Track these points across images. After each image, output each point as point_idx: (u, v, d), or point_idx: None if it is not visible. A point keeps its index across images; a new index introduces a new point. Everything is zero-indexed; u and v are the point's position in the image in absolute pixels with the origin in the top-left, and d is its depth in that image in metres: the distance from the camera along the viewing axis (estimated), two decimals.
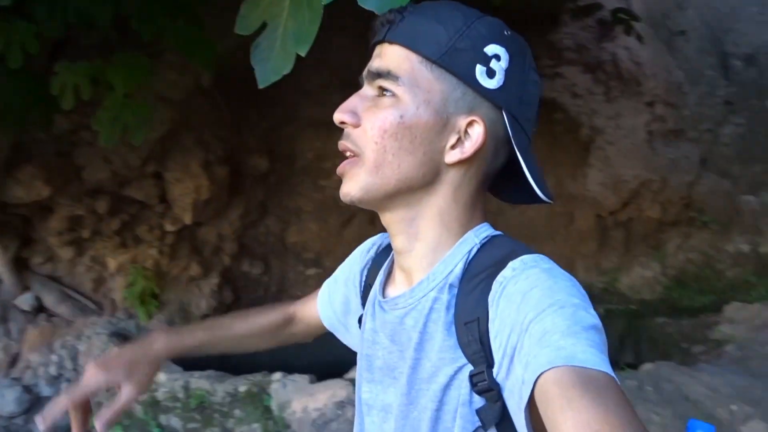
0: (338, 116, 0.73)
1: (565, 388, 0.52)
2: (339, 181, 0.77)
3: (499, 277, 0.66)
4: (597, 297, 4.79)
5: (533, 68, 0.74)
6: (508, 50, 0.70)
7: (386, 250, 0.88)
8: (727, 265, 4.78)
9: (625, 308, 4.61)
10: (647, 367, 2.93)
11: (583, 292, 0.63)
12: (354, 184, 0.73)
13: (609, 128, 4.69)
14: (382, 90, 0.72)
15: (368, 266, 0.90)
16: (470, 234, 0.74)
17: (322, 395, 2.86)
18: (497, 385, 0.64)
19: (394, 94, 0.70)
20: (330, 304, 0.98)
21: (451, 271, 0.72)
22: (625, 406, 0.52)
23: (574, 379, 0.53)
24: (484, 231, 0.75)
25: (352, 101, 0.74)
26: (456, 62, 0.69)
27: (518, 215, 4.91)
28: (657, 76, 4.61)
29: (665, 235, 4.91)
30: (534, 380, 0.55)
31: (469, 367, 0.67)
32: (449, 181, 0.73)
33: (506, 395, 0.62)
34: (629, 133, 4.68)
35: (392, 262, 0.83)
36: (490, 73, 0.70)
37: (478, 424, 0.66)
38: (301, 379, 3.06)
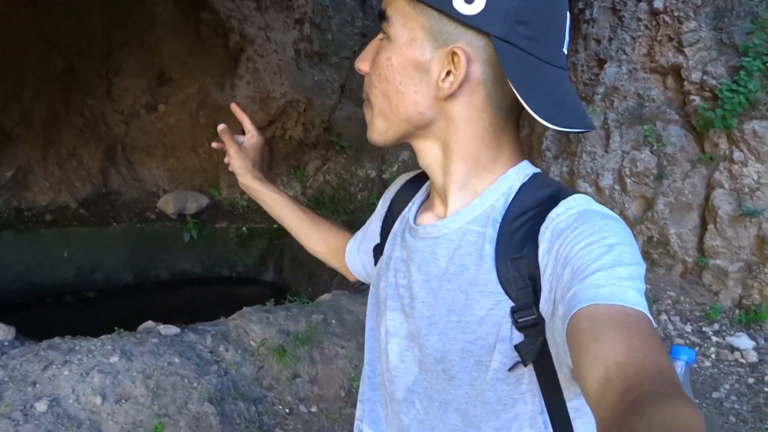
0: (356, 65, 0.77)
1: (595, 323, 0.54)
2: None
3: (552, 214, 0.68)
4: (239, 215, 4.72)
5: None
6: None
7: (414, 182, 0.91)
8: (358, 188, 5.23)
9: (268, 226, 4.66)
10: (326, 297, 3.02)
11: (631, 234, 0.65)
12: (371, 131, 0.77)
13: (259, 39, 4.58)
14: (383, 33, 0.73)
15: (392, 197, 0.93)
16: (511, 171, 0.75)
17: None
18: (542, 320, 0.66)
19: (388, 37, 0.72)
20: (359, 243, 1.02)
21: (492, 206, 0.74)
22: (652, 342, 0.52)
23: (606, 315, 0.54)
24: (524, 169, 0.76)
25: (367, 48, 0.76)
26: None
27: (156, 121, 4.43)
28: None
29: (306, 156, 5.12)
30: (571, 315, 0.57)
31: (509, 303, 0.69)
32: (455, 115, 0.73)
33: (548, 330, 0.65)
34: (279, 48, 4.66)
35: (428, 193, 0.85)
36: (469, 0, 0.68)
37: (517, 359, 0.68)
38: None
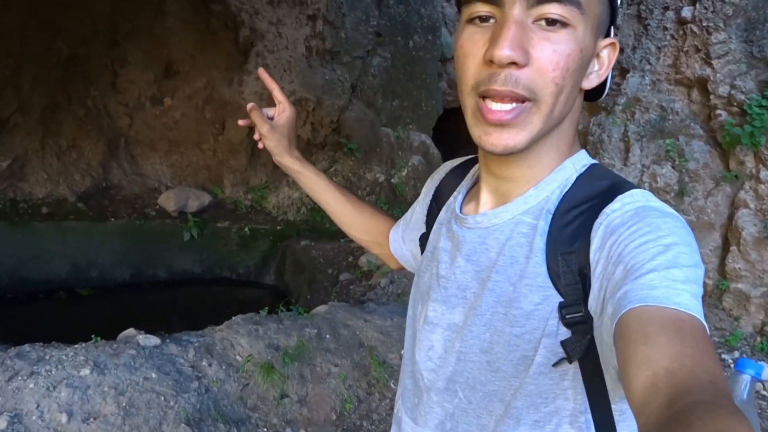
0: (507, 54, 0.63)
1: (646, 324, 0.52)
2: None
3: (607, 209, 0.66)
4: (243, 215, 4.61)
5: None
6: None
7: (459, 169, 0.89)
8: (365, 192, 5.10)
9: (271, 227, 4.51)
10: (322, 310, 2.80)
11: (691, 234, 0.62)
12: (525, 135, 0.67)
13: (270, 35, 4.43)
14: (554, 18, 0.64)
15: (437, 185, 0.91)
16: (568, 162, 0.73)
17: None
18: (590, 317, 0.64)
19: (567, 24, 0.64)
20: (402, 244, 1.01)
21: (547, 197, 0.71)
22: (705, 350, 0.50)
23: (657, 317, 0.53)
24: (581, 159, 0.73)
25: (516, 35, 0.63)
26: None
27: (161, 115, 4.30)
28: None
29: (313, 157, 4.99)
30: (620, 315, 0.55)
31: (558, 298, 0.67)
32: (577, 106, 0.72)
33: (596, 329, 0.63)
34: (290, 45, 4.53)
35: (474, 183, 0.83)
36: None
37: (563, 355, 0.66)
38: None
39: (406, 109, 5.52)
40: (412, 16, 5.54)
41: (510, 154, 0.68)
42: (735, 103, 3.53)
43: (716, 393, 0.46)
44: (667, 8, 4.00)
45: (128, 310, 4.07)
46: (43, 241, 4.05)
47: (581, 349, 0.65)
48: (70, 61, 4.17)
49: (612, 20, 0.70)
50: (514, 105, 0.65)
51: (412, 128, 5.61)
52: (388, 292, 3.46)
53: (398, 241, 1.03)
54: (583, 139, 4.31)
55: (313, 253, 4.34)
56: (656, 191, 3.81)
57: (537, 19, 0.64)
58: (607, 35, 0.71)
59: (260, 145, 1.05)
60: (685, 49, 3.89)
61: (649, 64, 4.08)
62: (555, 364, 0.67)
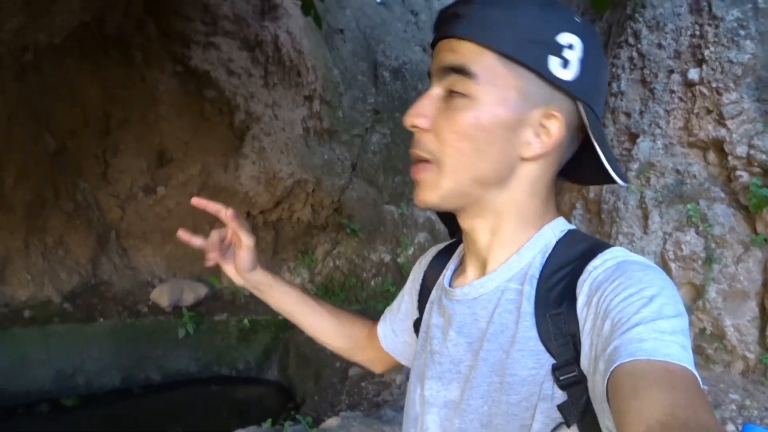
0: (409, 120, 0.74)
1: (636, 378, 0.53)
2: None
3: (589, 266, 0.69)
4: (242, 306, 4.37)
5: (602, 53, 0.75)
6: (581, 38, 0.72)
7: (444, 252, 0.93)
8: (370, 274, 4.87)
9: (272, 318, 4.25)
10: (334, 424, 2.56)
11: (673, 285, 0.64)
12: (432, 192, 0.75)
13: (266, 117, 4.34)
14: (453, 90, 0.72)
15: (425, 269, 0.93)
16: (546, 228, 0.76)
17: None
18: (585, 377, 0.65)
19: (467, 95, 0.71)
20: (393, 336, 1.02)
21: (530, 263, 0.74)
22: (697, 398, 0.52)
23: (648, 371, 0.54)
24: (560, 225, 0.77)
25: (422, 103, 0.75)
26: (529, 55, 0.71)
27: (154, 205, 4.10)
28: (317, 70, 4.46)
29: (314, 240, 4.78)
30: (610, 371, 0.56)
31: (551, 361, 0.67)
32: (526, 175, 0.75)
33: (590, 388, 0.63)
34: (287, 126, 4.42)
35: (461, 259, 0.86)
36: (565, 64, 0.71)
37: (560, 420, 0.66)
38: None
39: (409, 184, 5.38)
40: (410, 92, 5.51)
41: (440, 212, 0.78)
42: (756, 163, 3.38)
43: None
44: (672, 71, 3.92)
45: (118, 420, 3.74)
46: (25, 348, 3.81)
47: (578, 411, 0.65)
48: (59, 153, 4.02)
49: (574, 91, 0.72)
50: (420, 165, 0.74)
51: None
52: (404, 390, 3.15)
53: (389, 336, 1.02)
54: (597, 208, 4.14)
55: (318, 344, 4.03)
56: (682, 260, 3.60)
57: (446, 92, 0.72)
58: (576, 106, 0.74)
59: (209, 262, 1.02)
60: (695, 111, 3.78)
61: (659, 127, 3.97)
62: (553, 430, 0.66)
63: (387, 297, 4.81)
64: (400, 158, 5.46)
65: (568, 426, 0.65)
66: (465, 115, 0.71)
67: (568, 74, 0.70)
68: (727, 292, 3.43)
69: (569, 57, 0.70)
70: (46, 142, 3.91)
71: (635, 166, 3.97)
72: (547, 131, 0.72)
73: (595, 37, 0.74)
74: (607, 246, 0.71)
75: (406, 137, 5.55)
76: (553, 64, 0.70)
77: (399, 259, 5.11)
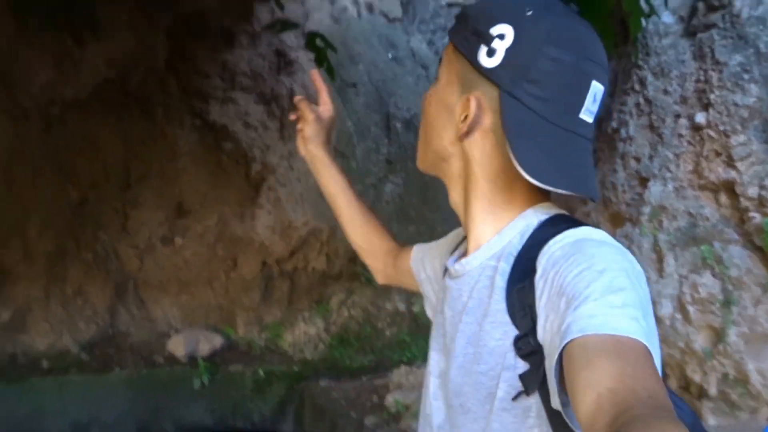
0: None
1: (587, 350, 0.56)
2: None
3: (550, 242, 0.71)
4: (257, 357, 4.36)
5: (558, 45, 0.75)
6: (516, 28, 0.75)
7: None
8: (386, 324, 4.86)
9: (287, 369, 4.23)
10: None
11: (629, 258, 0.67)
12: (417, 157, 0.92)
13: (282, 168, 4.42)
14: None
15: (451, 252, 0.97)
16: (530, 211, 0.79)
17: None
18: (540, 347, 0.67)
19: (436, 78, 0.85)
20: (422, 264, 1.06)
21: (510, 242, 0.78)
22: (645, 367, 0.54)
23: (598, 343, 0.56)
24: (546, 208, 0.80)
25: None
26: (465, 45, 0.79)
27: (171, 255, 4.17)
28: None
29: (329, 290, 4.82)
30: (562, 346, 0.58)
31: (515, 332, 0.71)
32: (470, 157, 0.81)
33: (546, 363, 0.65)
34: (301, 176, 4.49)
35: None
36: (490, 53, 0.75)
37: (521, 388, 0.69)
38: None
39: (422, 234, 5.41)
40: None
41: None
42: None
43: (655, 407, 0.49)
44: (679, 116, 3.99)
45: None
46: (41, 398, 3.80)
47: (537, 380, 0.67)
48: (80, 205, 4.13)
49: (494, 78, 0.76)
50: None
51: None
52: None
53: (417, 259, 1.09)
54: None
55: (333, 394, 4.02)
56: (699, 302, 3.58)
57: None
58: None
59: (301, 135, 1.16)
60: (704, 154, 3.83)
61: (669, 171, 4.00)
62: (514, 398, 0.69)
63: (402, 347, 4.77)
64: (413, 207, 5.51)
65: (527, 394, 0.68)
66: (428, 95, 0.87)
67: (491, 62, 0.75)
68: (748, 335, 3.37)
69: (496, 46, 0.74)
70: (69, 195, 4.02)
71: (647, 209, 3.99)
72: (465, 112, 0.79)
73: (542, 29, 0.74)
74: (581, 225, 0.74)
75: (419, 187, 5.63)
76: (482, 53, 0.75)
77: (414, 309, 5.08)
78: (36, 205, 3.76)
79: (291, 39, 4.81)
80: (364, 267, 4.33)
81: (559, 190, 0.72)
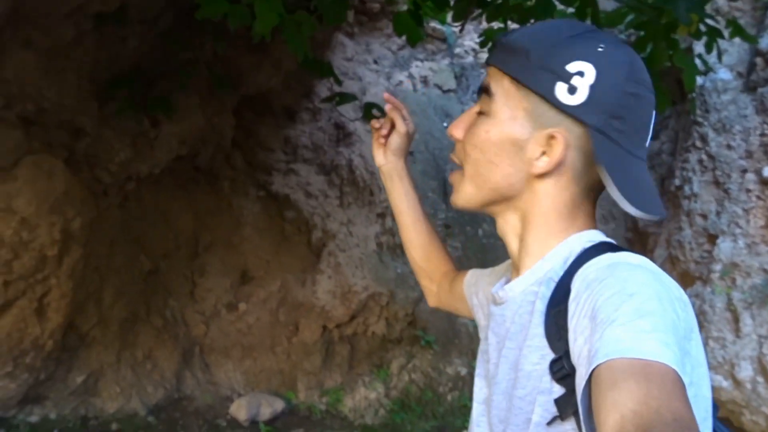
0: (449, 130, 0.89)
1: (614, 373, 0.55)
2: None
3: (585, 265, 0.72)
4: (317, 422, 4.32)
5: (636, 81, 0.78)
6: (596, 65, 0.75)
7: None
8: (447, 388, 4.74)
9: None
10: None
11: (662, 282, 0.65)
12: (457, 194, 0.88)
13: (341, 234, 4.55)
14: (481, 107, 0.84)
15: (500, 277, 0.99)
16: (573, 237, 0.80)
17: None
18: (574, 370, 0.66)
19: (486, 112, 0.82)
20: (475, 289, 1.05)
21: (552, 268, 0.78)
22: (672, 390, 0.53)
23: (625, 366, 0.55)
24: (591, 236, 0.80)
25: (463, 117, 0.87)
26: (538, 81, 0.77)
27: (236, 321, 4.28)
28: (383, 189, 4.63)
29: (389, 354, 4.79)
30: (590, 371, 0.58)
31: (552, 355, 0.70)
32: (541, 190, 0.80)
33: (576, 389, 0.65)
34: (360, 242, 4.61)
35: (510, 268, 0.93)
36: (572, 90, 0.76)
37: (556, 413, 0.68)
38: None
39: None
40: None
41: (472, 215, 0.84)
42: None
43: (680, 429, 0.48)
44: (745, 171, 3.85)
45: None
46: None
47: (572, 405, 0.65)
48: (152, 274, 4.33)
49: (581, 116, 0.76)
50: (455, 170, 0.88)
51: None
52: None
53: (471, 284, 1.08)
54: None
55: None
56: None
57: (480, 106, 0.85)
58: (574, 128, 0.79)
59: (378, 144, 1.15)
60: None
61: (739, 227, 3.83)
62: (549, 423, 0.68)
63: (464, 412, 4.61)
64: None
65: (562, 419, 0.67)
66: (480, 129, 0.82)
67: (574, 100, 0.75)
68: None
69: (577, 84, 0.75)
70: (142, 264, 4.24)
71: (718, 267, 3.80)
72: (551, 151, 0.78)
73: (619, 65, 0.77)
74: (624, 250, 0.74)
75: (477, 250, 5.59)
76: (560, 90, 0.75)
77: (475, 372, 4.92)
78: (111, 273, 3.98)
79: (349, 113, 5.02)
80: (424, 330, 4.28)
81: (653, 217, 0.73)
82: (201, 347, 4.64)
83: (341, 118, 4.99)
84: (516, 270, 0.85)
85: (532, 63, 0.77)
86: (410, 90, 5.86)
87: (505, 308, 0.83)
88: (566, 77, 0.75)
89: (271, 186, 4.69)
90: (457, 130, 0.86)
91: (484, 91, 0.82)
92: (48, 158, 3.12)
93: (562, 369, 0.68)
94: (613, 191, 0.72)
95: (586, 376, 0.58)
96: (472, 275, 1.10)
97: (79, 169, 3.34)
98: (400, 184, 1.16)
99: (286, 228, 4.75)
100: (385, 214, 4.99)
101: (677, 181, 4.26)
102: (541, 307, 0.75)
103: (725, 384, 3.39)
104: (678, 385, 0.53)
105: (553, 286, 0.75)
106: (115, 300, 3.99)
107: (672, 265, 4.17)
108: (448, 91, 6.20)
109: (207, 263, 4.69)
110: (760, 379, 3.30)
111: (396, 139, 1.13)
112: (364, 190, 4.90)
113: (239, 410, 4.23)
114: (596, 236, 0.80)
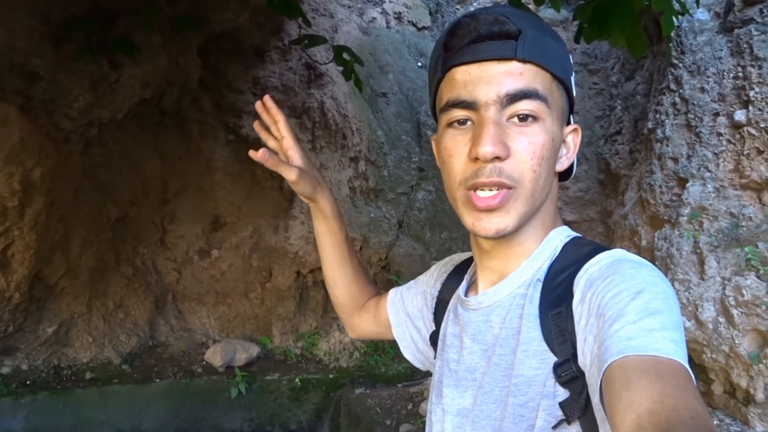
0: (491, 150, 0.71)
1: (627, 372, 0.55)
2: None
3: (586, 265, 0.70)
4: (293, 366, 4.36)
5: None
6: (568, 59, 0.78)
7: (460, 268, 0.95)
8: None
9: (323, 377, 4.21)
10: None
11: (666, 281, 0.65)
12: (512, 218, 0.74)
13: None
14: (526, 114, 0.73)
15: (443, 282, 0.96)
16: (553, 233, 0.79)
17: None
18: (582, 373, 0.65)
19: (537, 117, 0.73)
20: (402, 304, 1.04)
21: (539, 268, 0.77)
22: (686, 387, 0.53)
23: (638, 364, 0.55)
24: (565, 231, 0.80)
25: (495, 133, 0.72)
26: (566, 76, 0.76)
27: (208, 267, 4.23)
28: (361, 133, 4.57)
29: None
30: (603, 369, 0.57)
31: (553, 359, 0.69)
32: (555, 186, 0.79)
33: (589, 389, 0.64)
34: (333, 187, 4.51)
35: (473, 273, 0.89)
36: (573, 85, 0.78)
37: (561, 417, 0.67)
38: None
39: (456, 240, 5.36)
40: None
41: (502, 237, 0.74)
42: None
43: (698, 426, 0.48)
44: (717, 114, 3.84)
45: None
46: (85, 409, 3.87)
47: (580, 408, 0.65)
48: (120, 221, 4.23)
49: (570, 109, 0.79)
50: (498, 191, 0.73)
51: None
52: None
53: (396, 303, 1.06)
54: (650, 255, 4.00)
55: (368, 402, 3.99)
56: (744, 305, 3.42)
57: (510, 117, 0.72)
58: (569, 122, 0.80)
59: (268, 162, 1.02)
60: (745, 152, 3.67)
61: (709, 171, 3.85)
62: (555, 427, 0.67)
63: None
64: (446, 214, 5.46)
65: (569, 423, 0.66)
66: (541, 139, 0.72)
67: (573, 94, 0.78)
68: None
69: (573, 76, 0.78)
70: (109, 212, 4.12)
71: (686, 210, 3.84)
72: (570, 144, 0.79)
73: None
74: (609, 248, 0.73)
75: None
76: (574, 85, 0.78)
77: None
78: (77, 222, 3.87)
79: (320, 52, 4.84)
80: (397, 274, 4.29)
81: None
82: (174, 294, 4.61)
83: (312, 58, 4.81)
84: (494, 273, 0.81)
85: (561, 58, 0.75)
86: (383, 27, 5.66)
87: (489, 312, 0.79)
88: (573, 70, 0.78)
89: (241, 129, 4.55)
90: (501, 148, 0.71)
91: (529, 95, 0.71)
92: (1, 105, 2.95)
93: (568, 372, 0.66)
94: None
95: (600, 375, 0.58)
96: (394, 293, 1.08)
97: (35, 116, 3.17)
98: (324, 222, 1.09)
99: (258, 173, 4.64)
100: (358, 158, 4.91)
101: (650, 124, 4.24)
102: (533, 310, 0.73)
103: (689, 324, 3.49)
104: (690, 382, 0.54)
105: (540, 287, 0.74)
106: (82, 249, 3.89)
107: (642, 208, 4.22)
108: (423, 28, 6.01)
109: (177, 209, 4.60)
110: (721, 319, 3.41)
111: (301, 185, 1.03)
112: (337, 133, 4.79)
113: (214, 356, 4.25)
114: (569, 231, 0.80)
